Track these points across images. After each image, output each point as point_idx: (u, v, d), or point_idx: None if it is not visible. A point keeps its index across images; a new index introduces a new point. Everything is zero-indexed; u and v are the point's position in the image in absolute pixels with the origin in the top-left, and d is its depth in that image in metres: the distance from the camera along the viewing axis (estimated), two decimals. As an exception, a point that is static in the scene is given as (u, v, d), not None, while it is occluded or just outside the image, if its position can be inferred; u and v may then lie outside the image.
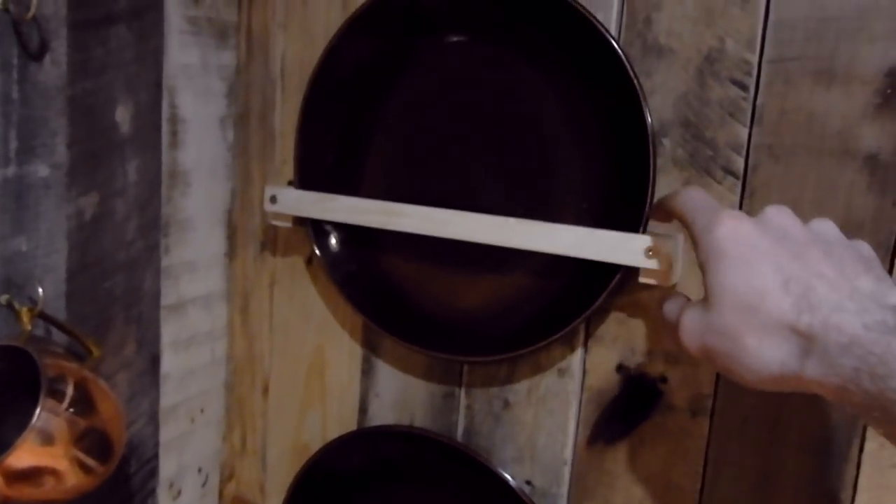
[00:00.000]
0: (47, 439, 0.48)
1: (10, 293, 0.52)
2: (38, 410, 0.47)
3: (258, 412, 0.73)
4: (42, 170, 0.54)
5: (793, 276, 0.36)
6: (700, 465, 0.55)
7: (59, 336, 0.57)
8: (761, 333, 0.36)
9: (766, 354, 0.36)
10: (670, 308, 0.42)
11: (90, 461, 0.51)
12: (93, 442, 0.51)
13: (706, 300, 0.38)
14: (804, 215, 0.50)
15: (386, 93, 0.61)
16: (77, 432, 0.50)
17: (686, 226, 0.42)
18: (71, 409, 0.50)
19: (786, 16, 0.50)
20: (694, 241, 0.41)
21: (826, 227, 0.39)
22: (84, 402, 0.51)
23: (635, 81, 0.51)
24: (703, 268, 0.39)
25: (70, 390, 0.50)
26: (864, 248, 0.39)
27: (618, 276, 0.52)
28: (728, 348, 0.37)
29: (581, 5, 0.52)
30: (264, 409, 0.72)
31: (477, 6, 0.56)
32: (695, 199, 0.42)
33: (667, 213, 0.46)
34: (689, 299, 0.43)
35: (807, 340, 0.35)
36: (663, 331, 0.43)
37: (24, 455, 0.47)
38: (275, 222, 0.64)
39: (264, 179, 0.69)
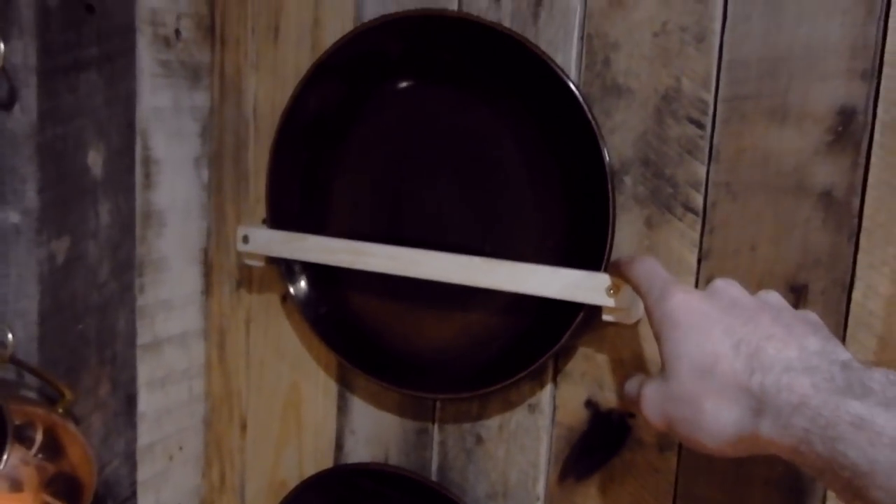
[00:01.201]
0: (16, 486, 0.49)
1: (-21, 339, 0.53)
2: (4, 458, 0.47)
3: (236, 449, 0.73)
4: (12, 216, 0.54)
5: (743, 338, 0.37)
6: (669, 500, 0.55)
7: (32, 379, 0.57)
8: (717, 396, 0.37)
9: (722, 417, 0.37)
10: (630, 386, 0.44)
11: (60, 505, 0.51)
12: (62, 486, 0.51)
13: (663, 370, 0.40)
14: (763, 252, 0.51)
15: (352, 135, 0.62)
16: (46, 477, 0.50)
17: (640, 295, 0.44)
18: (39, 455, 0.50)
19: (739, 55, 0.50)
20: (647, 312, 0.42)
21: (773, 297, 0.41)
22: (53, 447, 0.51)
23: (593, 123, 0.51)
24: (658, 338, 0.41)
25: (38, 436, 0.50)
26: (811, 315, 0.40)
27: (581, 314, 0.53)
28: (687, 414, 0.38)
29: (539, 49, 0.53)
30: (242, 446, 0.73)
31: (437, 51, 0.57)
32: (648, 269, 0.44)
33: (622, 276, 0.48)
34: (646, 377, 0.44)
35: (758, 401, 0.35)
36: (627, 406, 0.45)
37: (-10, 502, 0.48)
38: (248, 262, 0.65)
39: (238, 218, 0.69)
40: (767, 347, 0.36)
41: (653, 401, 0.40)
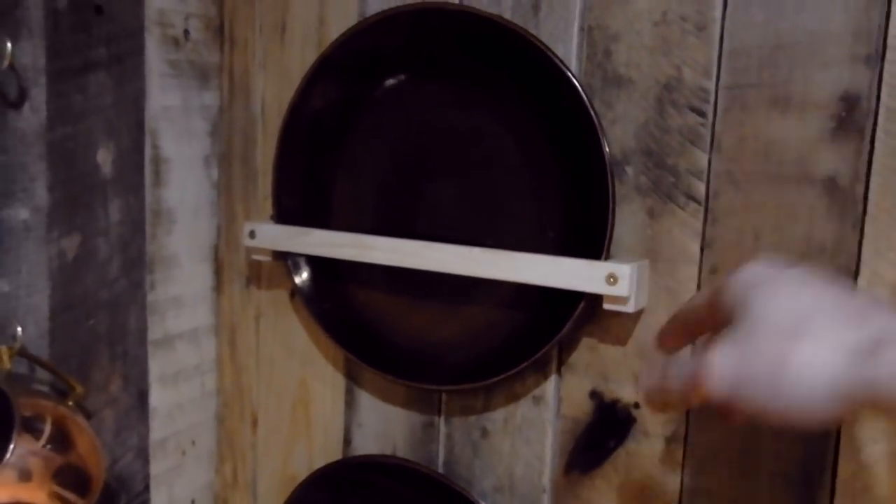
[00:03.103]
0: (24, 475, 0.50)
1: (-9, 333, 0.54)
2: (11, 447, 0.48)
3: (248, 444, 0.74)
4: (22, 213, 0.56)
5: (838, 302, 0.32)
6: (676, 492, 0.55)
7: (44, 374, 0.59)
8: (811, 344, 0.31)
9: (817, 362, 0.30)
10: (678, 368, 0.36)
11: (69, 495, 0.52)
12: (71, 476, 0.52)
13: (736, 333, 0.34)
14: (766, 241, 0.50)
15: (354, 131, 0.62)
16: (54, 468, 0.51)
17: (719, 300, 0.38)
18: (48, 446, 0.51)
19: (740, 44, 0.50)
20: (718, 300, 0.37)
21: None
22: (61, 439, 0.52)
23: (593, 114, 0.51)
24: (733, 308, 0.35)
25: (47, 428, 0.51)
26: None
27: (582, 304, 0.52)
28: (768, 372, 0.32)
29: (540, 41, 0.53)
30: (254, 441, 0.73)
31: (437, 46, 0.57)
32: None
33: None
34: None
35: (872, 340, 0.30)
36: (667, 395, 0.37)
37: (1, 491, 0.48)
38: (255, 257, 0.66)
39: (248, 216, 0.70)
40: (863, 308, 0.32)
41: (725, 367, 0.33)
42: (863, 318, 0.31)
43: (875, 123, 0.47)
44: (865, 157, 0.47)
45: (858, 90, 0.47)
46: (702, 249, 0.52)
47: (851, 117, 0.48)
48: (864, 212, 0.48)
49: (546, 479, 0.59)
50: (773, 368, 0.31)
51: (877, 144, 0.47)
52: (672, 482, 0.54)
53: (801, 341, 0.31)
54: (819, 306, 0.32)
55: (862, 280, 0.48)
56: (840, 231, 0.48)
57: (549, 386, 0.58)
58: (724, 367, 0.33)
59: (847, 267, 0.48)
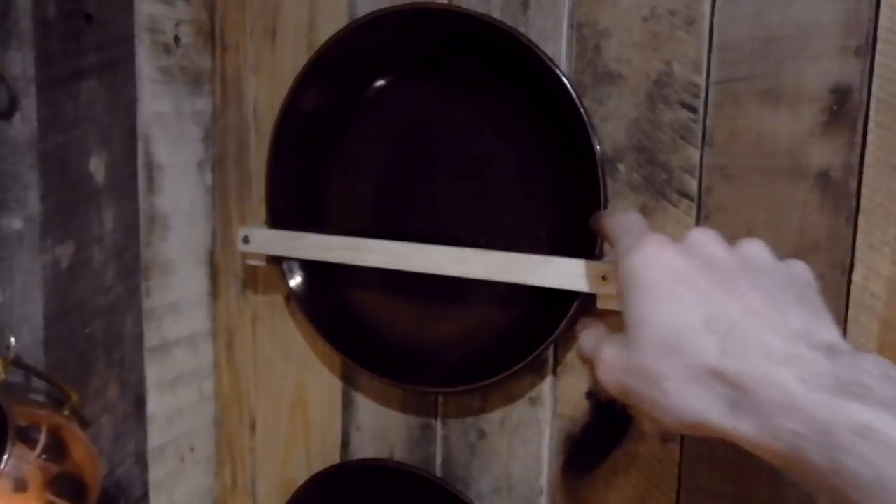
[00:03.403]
0: (20, 486, 0.50)
1: (-15, 343, 0.54)
2: (5, 457, 0.48)
3: (247, 448, 0.74)
4: (15, 222, 0.56)
5: (717, 311, 0.32)
6: (674, 491, 0.54)
7: (40, 383, 0.59)
8: (684, 379, 0.32)
9: (689, 403, 0.32)
10: (588, 341, 0.39)
11: (66, 505, 0.52)
12: (67, 486, 0.52)
13: (625, 334, 0.35)
14: (759, 236, 0.49)
15: (346, 133, 0.62)
16: (50, 477, 0.51)
17: (615, 248, 0.40)
18: (43, 456, 0.51)
19: (730, 37, 0.50)
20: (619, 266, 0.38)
21: (756, 251, 0.36)
22: (57, 448, 0.52)
23: (583, 111, 0.51)
24: (620, 295, 0.36)
25: (43, 437, 0.51)
26: (798, 270, 0.36)
27: (576, 303, 0.52)
28: (647, 392, 0.33)
29: (529, 39, 0.53)
30: (252, 446, 0.73)
31: (427, 46, 0.57)
32: (625, 222, 0.40)
33: (601, 232, 0.44)
34: (605, 328, 0.40)
35: (735, 390, 0.30)
36: (582, 362, 0.40)
37: (-4, 502, 0.48)
38: (250, 261, 0.65)
39: (243, 220, 0.70)
40: (743, 325, 0.31)
41: (611, 368, 0.35)
42: (733, 341, 0.31)
43: (867, 116, 0.47)
44: (858, 150, 0.47)
45: (850, 82, 0.47)
46: (695, 246, 0.52)
47: (843, 110, 0.47)
48: (858, 205, 0.47)
49: (544, 480, 0.59)
50: (650, 386, 0.33)
51: (869, 137, 0.47)
52: (670, 481, 0.54)
53: (675, 372, 0.32)
54: (690, 324, 0.32)
55: (857, 275, 0.47)
56: (834, 225, 0.48)
57: (546, 386, 0.58)
58: (609, 369, 0.35)
59: (842, 262, 0.48)
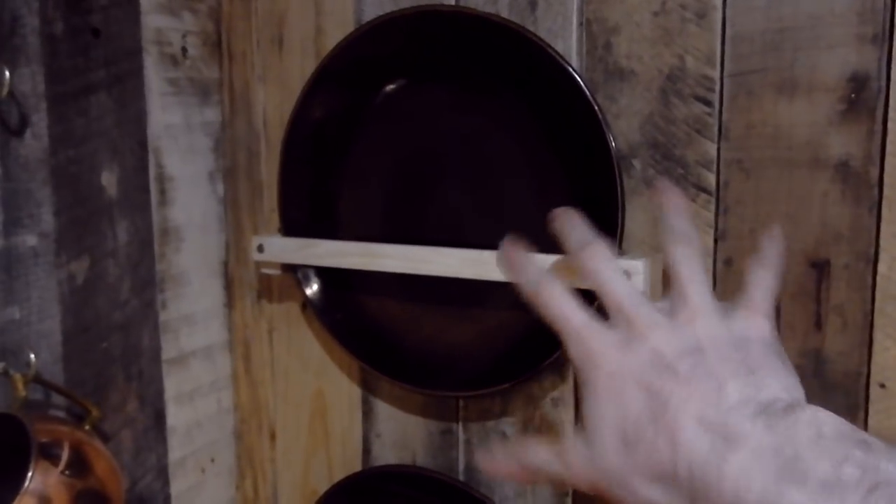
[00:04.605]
0: (44, 502, 0.49)
1: (5, 361, 0.54)
2: (29, 475, 0.48)
3: (267, 459, 0.73)
4: (30, 239, 0.56)
5: (660, 408, 0.32)
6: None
7: (60, 399, 0.59)
8: (647, 478, 0.32)
9: (656, 499, 0.33)
10: (542, 457, 0.37)
11: (90, 521, 0.52)
12: (90, 501, 0.52)
13: (585, 431, 0.35)
14: (778, 229, 0.49)
15: (357, 139, 0.62)
16: (74, 494, 0.51)
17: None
18: (66, 472, 0.51)
19: (742, 29, 0.49)
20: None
21: (699, 324, 0.34)
22: (80, 464, 0.52)
23: (596, 108, 0.51)
24: (578, 388, 0.37)
25: (65, 453, 0.51)
26: (742, 327, 0.35)
27: (596, 302, 0.51)
28: (619, 492, 0.34)
29: (538, 38, 0.52)
30: (273, 456, 0.73)
31: (435, 49, 0.57)
32: (562, 303, 0.38)
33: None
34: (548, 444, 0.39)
35: (690, 491, 0.31)
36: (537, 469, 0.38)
37: (21, 520, 0.48)
38: (265, 270, 0.65)
39: (255, 229, 0.70)
40: (685, 420, 0.31)
41: (581, 471, 0.35)
42: (677, 443, 0.32)
43: (886, 104, 0.46)
44: (878, 139, 0.46)
45: (867, 70, 0.46)
46: (715, 241, 0.51)
47: (861, 98, 0.47)
48: (881, 195, 0.47)
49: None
50: (619, 486, 0.34)
51: (889, 125, 0.46)
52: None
53: (638, 472, 0.33)
54: (641, 424, 0.33)
55: (882, 266, 0.47)
56: (856, 216, 0.47)
57: (568, 388, 0.57)
58: (580, 474, 0.35)
59: (866, 253, 0.47)
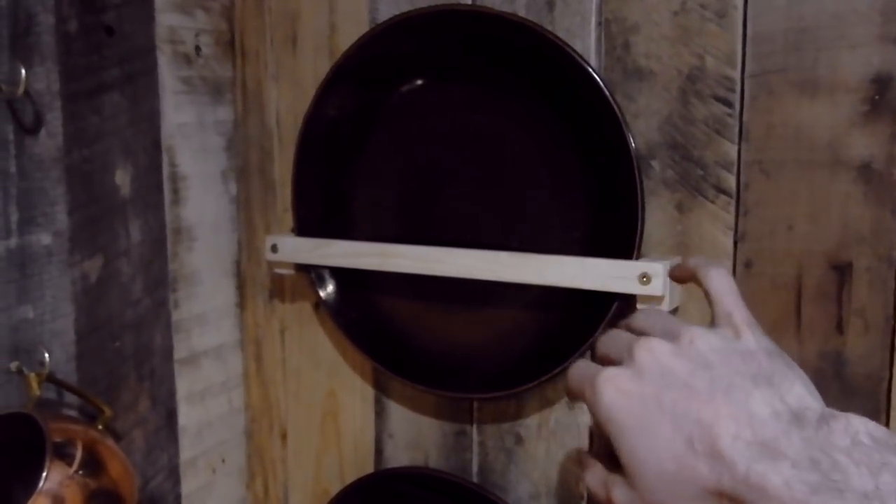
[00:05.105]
0: (58, 502, 0.49)
1: (19, 360, 0.54)
2: (43, 475, 0.47)
3: (278, 459, 0.73)
4: (44, 238, 0.55)
5: (693, 430, 0.32)
6: None
7: (72, 398, 0.58)
8: (696, 501, 0.32)
9: None
10: (596, 483, 0.38)
11: (103, 521, 0.52)
12: (104, 501, 0.52)
13: (627, 476, 0.35)
14: (801, 231, 0.49)
15: (371, 139, 0.61)
16: (88, 493, 0.51)
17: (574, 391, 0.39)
18: (80, 472, 0.51)
19: (764, 29, 0.49)
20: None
21: (701, 345, 0.35)
22: (93, 464, 0.52)
23: (616, 108, 0.50)
24: (608, 437, 0.36)
25: (79, 453, 0.51)
26: (747, 342, 0.35)
27: (615, 305, 0.51)
28: None
29: (556, 37, 0.52)
30: (284, 456, 0.73)
31: (451, 49, 0.56)
32: (575, 373, 0.39)
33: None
34: (602, 467, 0.38)
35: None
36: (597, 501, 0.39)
37: (36, 520, 0.48)
38: (278, 270, 0.65)
39: (268, 229, 0.70)
40: (721, 435, 0.31)
41: None
42: (719, 458, 0.32)
43: (910, 104, 0.45)
44: (901, 140, 0.46)
45: (890, 71, 0.46)
46: (735, 243, 0.51)
47: (885, 99, 0.46)
48: (903, 196, 0.46)
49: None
50: None
51: (913, 126, 0.46)
52: None
53: (684, 498, 0.33)
54: (676, 453, 0.33)
55: (904, 267, 0.46)
56: (878, 218, 0.47)
57: (583, 389, 0.57)
58: None
59: (888, 256, 0.47)
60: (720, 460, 0.31)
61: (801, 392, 0.32)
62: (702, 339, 0.35)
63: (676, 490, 0.33)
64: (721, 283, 0.38)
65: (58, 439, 0.50)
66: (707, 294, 0.39)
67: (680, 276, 0.43)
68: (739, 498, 0.31)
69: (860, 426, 0.30)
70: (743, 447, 0.31)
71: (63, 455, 0.50)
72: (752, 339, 0.35)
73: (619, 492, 0.36)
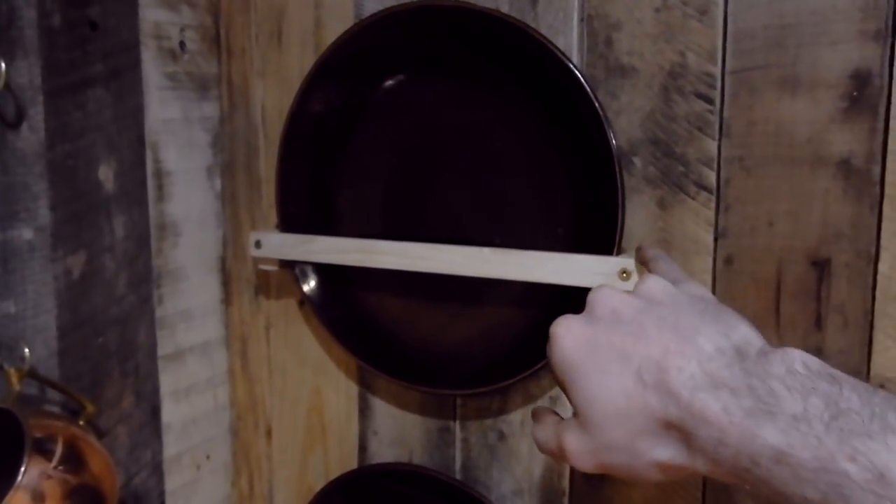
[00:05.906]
0: (37, 498, 0.49)
1: (-1, 355, 0.54)
2: (22, 470, 0.47)
3: (263, 456, 0.73)
4: (26, 233, 0.55)
5: (641, 363, 0.33)
6: (699, 490, 0.53)
7: (55, 394, 0.58)
8: (647, 436, 0.33)
9: (659, 455, 0.33)
10: (544, 435, 0.39)
11: (84, 517, 0.52)
12: (84, 497, 0.52)
13: (577, 416, 0.36)
14: (781, 228, 0.49)
15: (356, 135, 0.61)
16: (68, 489, 0.51)
17: None
18: (60, 468, 0.50)
19: (744, 25, 0.49)
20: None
21: (652, 286, 0.37)
22: (74, 459, 0.52)
23: (597, 105, 0.50)
24: (561, 385, 0.37)
25: (59, 448, 0.51)
26: (692, 288, 0.37)
27: (595, 301, 0.51)
28: (623, 460, 0.34)
29: (539, 33, 0.52)
30: (269, 453, 0.73)
31: (435, 44, 0.57)
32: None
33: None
34: (557, 416, 0.40)
35: (684, 434, 0.32)
36: (547, 454, 0.39)
37: (14, 515, 0.48)
38: (262, 266, 0.65)
39: (253, 225, 0.70)
40: (668, 368, 0.32)
41: (582, 454, 0.36)
42: (665, 388, 0.33)
43: (889, 101, 0.46)
44: (880, 137, 0.46)
45: (869, 67, 0.46)
46: (715, 239, 0.51)
47: (864, 95, 0.46)
48: (882, 193, 0.46)
49: (566, 482, 0.58)
50: (625, 455, 0.34)
51: (892, 123, 0.46)
52: (695, 480, 0.53)
53: (637, 434, 0.34)
54: (627, 387, 0.34)
55: (883, 265, 0.46)
56: (857, 214, 0.47)
57: (565, 385, 0.57)
58: (582, 455, 0.36)
59: (867, 252, 0.47)
60: (667, 391, 0.32)
61: (744, 330, 0.34)
62: (654, 281, 0.37)
63: (627, 425, 0.34)
64: (667, 266, 0.41)
65: (38, 435, 0.50)
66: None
67: (639, 258, 0.46)
68: (685, 427, 0.32)
69: (797, 356, 0.31)
70: (688, 379, 0.32)
71: (43, 450, 0.50)
72: (698, 288, 0.38)
73: (570, 436, 0.36)
